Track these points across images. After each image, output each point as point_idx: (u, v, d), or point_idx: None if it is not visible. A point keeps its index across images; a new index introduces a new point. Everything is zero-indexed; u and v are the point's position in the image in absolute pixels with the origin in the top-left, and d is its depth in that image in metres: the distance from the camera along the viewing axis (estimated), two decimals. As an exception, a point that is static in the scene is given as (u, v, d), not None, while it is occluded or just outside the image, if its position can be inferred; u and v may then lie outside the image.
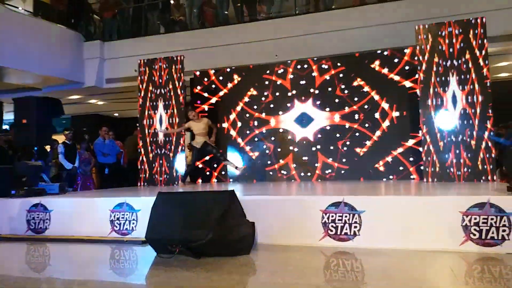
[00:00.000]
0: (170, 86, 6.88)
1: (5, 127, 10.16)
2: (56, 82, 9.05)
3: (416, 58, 5.86)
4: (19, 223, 4.68)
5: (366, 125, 6.62)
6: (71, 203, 4.68)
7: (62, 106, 6.02)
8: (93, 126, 10.47)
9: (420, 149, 5.90)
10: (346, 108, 6.76)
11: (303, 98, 7.00)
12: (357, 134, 6.67)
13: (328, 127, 6.84)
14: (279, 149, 7.09)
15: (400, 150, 6.43)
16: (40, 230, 4.59)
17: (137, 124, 7.06)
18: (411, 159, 6.37)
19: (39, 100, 5.65)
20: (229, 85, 7.43)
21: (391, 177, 6.44)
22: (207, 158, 7.25)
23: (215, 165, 7.33)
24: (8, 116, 10.68)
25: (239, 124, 7.33)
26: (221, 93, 7.47)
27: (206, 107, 7.53)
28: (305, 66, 7.02)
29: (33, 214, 4.66)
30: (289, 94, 7.08)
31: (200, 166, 7.33)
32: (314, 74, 6.96)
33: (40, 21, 8.54)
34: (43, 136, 5.51)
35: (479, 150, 5.36)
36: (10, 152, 6.67)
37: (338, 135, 6.76)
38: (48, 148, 7.47)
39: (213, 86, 7.52)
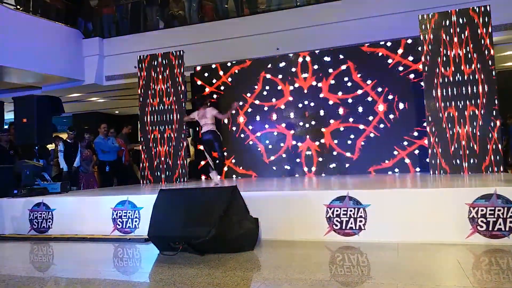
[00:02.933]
0: (171, 82, 6.84)
1: (5, 127, 10.15)
2: (56, 80, 9.03)
3: (420, 48, 5.78)
4: (22, 223, 4.68)
5: (371, 117, 6.55)
6: (73, 202, 4.66)
7: (62, 104, 6.00)
8: (93, 124, 10.45)
9: (426, 141, 5.84)
10: (350, 100, 6.68)
11: (305, 91, 6.94)
12: (361, 127, 6.60)
13: (331, 121, 6.77)
14: (281, 144, 7.04)
15: (405, 142, 6.36)
16: (43, 229, 4.59)
17: (138, 122, 7.04)
18: (416, 151, 6.31)
19: (39, 99, 5.62)
20: (230, 79, 7.38)
21: (396, 170, 6.39)
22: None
23: (217, 161, 7.28)
24: (9, 115, 10.68)
25: (240, 118, 7.28)
26: (222, 87, 7.41)
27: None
28: (307, 58, 6.95)
29: (35, 214, 4.65)
30: (291, 87, 7.01)
31: (203, 163, 7.30)
32: (316, 66, 6.89)
33: (38, 19, 8.49)
34: (44, 135, 5.48)
35: (485, 141, 5.30)
36: (12, 151, 6.64)
37: (341, 128, 6.70)
38: (51, 146, 7.45)
39: (214, 80, 7.46)
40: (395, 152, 6.40)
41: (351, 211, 3.52)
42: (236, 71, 7.35)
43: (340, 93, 6.74)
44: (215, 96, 7.44)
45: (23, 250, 4.18)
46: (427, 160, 5.74)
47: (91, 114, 12.98)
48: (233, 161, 7.27)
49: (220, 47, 8.12)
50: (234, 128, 7.30)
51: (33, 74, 8.48)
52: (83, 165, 7.19)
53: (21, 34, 7.90)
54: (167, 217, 3.45)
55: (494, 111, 5.29)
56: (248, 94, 7.23)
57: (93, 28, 9.55)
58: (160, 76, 6.89)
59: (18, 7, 8.53)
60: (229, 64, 7.41)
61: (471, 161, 5.33)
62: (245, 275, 2.73)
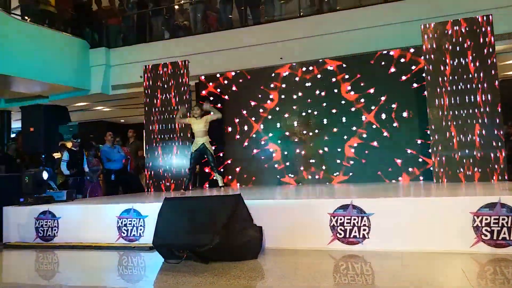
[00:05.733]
0: (176, 91, 6.91)
1: (13, 135, 10.26)
2: (63, 89, 9.14)
3: (422, 57, 5.81)
4: (28, 231, 4.71)
5: (374, 126, 6.57)
6: (78, 210, 4.70)
7: (68, 113, 6.07)
8: (99, 132, 10.54)
9: (429, 149, 5.84)
10: (353, 109, 6.71)
11: (309, 100, 6.97)
12: (364, 135, 6.61)
13: (335, 129, 6.79)
14: (285, 152, 7.06)
15: (408, 151, 6.36)
16: (49, 237, 4.61)
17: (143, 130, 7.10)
18: (419, 159, 6.30)
19: (46, 108, 5.70)
20: (234, 88, 7.43)
21: (400, 178, 6.37)
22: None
23: (221, 170, 7.32)
24: (16, 124, 10.81)
25: (245, 127, 7.32)
26: (226, 97, 7.47)
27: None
28: (311, 68, 7.00)
29: (41, 222, 4.68)
30: (295, 96, 7.05)
31: (207, 170, 7.33)
32: (320, 76, 6.93)
33: (46, 30, 8.63)
34: (50, 144, 5.55)
35: (488, 150, 5.29)
36: (18, 160, 6.71)
37: (345, 136, 6.71)
38: (57, 155, 7.49)
39: (218, 90, 7.52)
40: (399, 161, 6.39)
41: (354, 219, 3.52)
42: (240, 80, 7.41)
43: (343, 102, 6.76)
44: (219, 104, 7.49)
45: (29, 258, 4.21)
46: (431, 168, 5.74)
47: (97, 123, 13.09)
48: (238, 169, 7.28)
49: (224, 56, 8.20)
50: (238, 137, 7.34)
51: (40, 83, 8.59)
52: (89, 173, 7.22)
53: (28, 44, 8.03)
54: (171, 225, 3.48)
55: (497, 120, 5.28)
56: (252, 103, 7.28)
57: (100, 38, 9.68)
58: (166, 86, 6.97)
59: (26, 17, 8.68)
60: (233, 73, 7.48)
61: (475, 169, 5.32)
62: (249, 284, 2.74)
